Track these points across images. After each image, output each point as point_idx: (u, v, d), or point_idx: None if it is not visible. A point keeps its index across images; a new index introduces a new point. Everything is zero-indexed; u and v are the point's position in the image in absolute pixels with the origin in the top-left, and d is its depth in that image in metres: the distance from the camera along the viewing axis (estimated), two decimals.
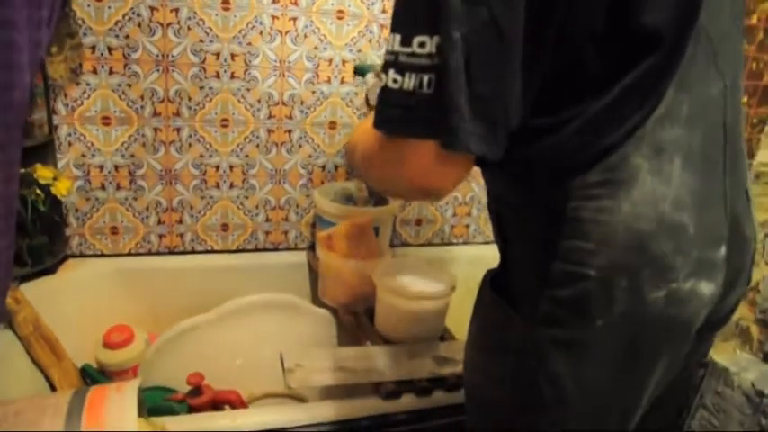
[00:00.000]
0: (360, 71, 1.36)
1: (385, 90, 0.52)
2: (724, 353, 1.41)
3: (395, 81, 0.50)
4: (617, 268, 0.55)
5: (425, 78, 0.49)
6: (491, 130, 0.50)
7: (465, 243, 1.86)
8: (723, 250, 0.60)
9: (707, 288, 0.58)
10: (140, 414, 0.86)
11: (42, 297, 1.29)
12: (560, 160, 0.56)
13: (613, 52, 0.52)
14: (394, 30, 0.51)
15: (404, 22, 0.51)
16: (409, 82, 0.49)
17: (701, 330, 0.64)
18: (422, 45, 0.49)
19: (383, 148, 0.55)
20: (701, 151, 0.57)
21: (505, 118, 0.51)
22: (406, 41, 0.49)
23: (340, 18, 1.48)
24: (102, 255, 1.51)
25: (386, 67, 0.52)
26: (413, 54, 0.49)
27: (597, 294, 0.56)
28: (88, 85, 1.36)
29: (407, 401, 1.08)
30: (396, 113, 0.51)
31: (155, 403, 1.16)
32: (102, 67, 1.35)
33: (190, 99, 1.44)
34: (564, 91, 0.54)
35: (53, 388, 1.21)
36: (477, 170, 0.66)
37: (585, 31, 0.52)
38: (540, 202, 0.60)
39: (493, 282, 0.68)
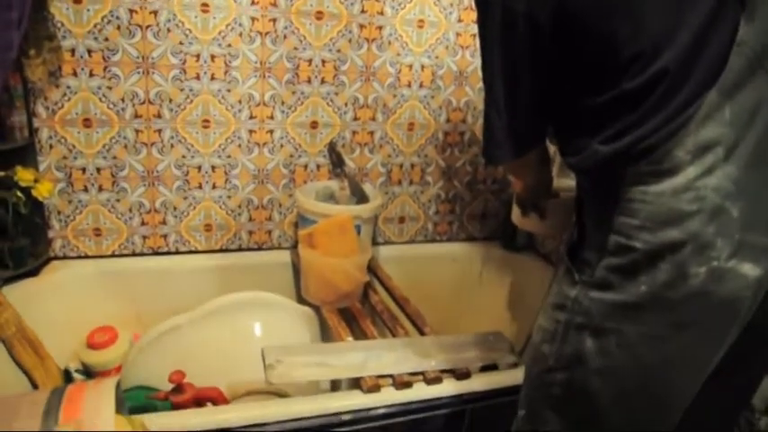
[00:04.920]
0: None
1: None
2: None
3: None
4: (662, 242, 0.65)
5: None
6: (514, 146, 0.83)
7: (449, 240, 1.88)
8: None
9: (751, 270, 0.65)
10: (120, 412, 0.87)
11: (25, 299, 1.30)
12: (617, 159, 0.69)
13: (637, 85, 0.66)
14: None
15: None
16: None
17: None
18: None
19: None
20: (753, 147, 0.63)
21: (526, 137, 0.84)
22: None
23: (319, 18, 1.50)
24: (86, 256, 1.52)
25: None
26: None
27: (644, 264, 0.67)
28: (68, 87, 1.36)
29: (388, 395, 1.09)
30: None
31: (137, 402, 1.17)
32: (82, 69, 1.36)
33: (171, 101, 1.45)
34: (613, 116, 0.70)
35: (36, 389, 1.21)
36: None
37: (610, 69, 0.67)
38: (603, 187, 0.73)
39: (569, 252, 0.79)
